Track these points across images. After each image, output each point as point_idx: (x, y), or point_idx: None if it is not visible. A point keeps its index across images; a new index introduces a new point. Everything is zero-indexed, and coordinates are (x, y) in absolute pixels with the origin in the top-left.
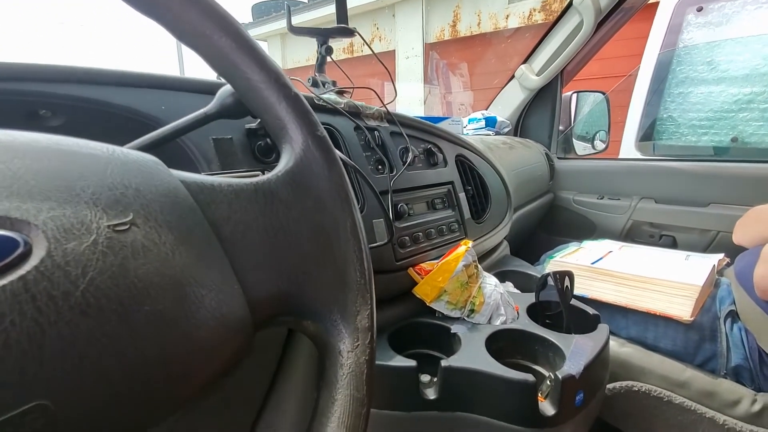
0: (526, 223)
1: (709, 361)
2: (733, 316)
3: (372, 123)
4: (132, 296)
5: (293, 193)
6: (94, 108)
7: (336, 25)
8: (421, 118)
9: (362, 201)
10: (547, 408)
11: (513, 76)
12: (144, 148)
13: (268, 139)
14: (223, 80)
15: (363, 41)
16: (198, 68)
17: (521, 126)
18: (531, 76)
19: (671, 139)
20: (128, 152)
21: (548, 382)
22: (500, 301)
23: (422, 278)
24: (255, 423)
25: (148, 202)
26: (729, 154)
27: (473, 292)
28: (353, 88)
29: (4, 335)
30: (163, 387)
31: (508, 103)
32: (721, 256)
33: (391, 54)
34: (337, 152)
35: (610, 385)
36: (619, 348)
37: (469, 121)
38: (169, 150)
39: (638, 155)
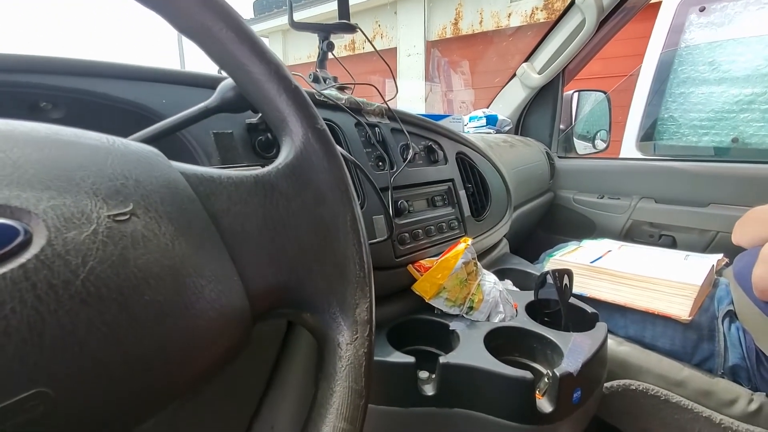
0: (526, 222)
1: (706, 361)
2: (731, 316)
3: (373, 119)
4: (132, 286)
5: (293, 185)
6: (94, 101)
7: (337, 21)
8: (422, 115)
9: (362, 197)
10: (544, 405)
11: (514, 75)
12: (144, 141)
13: (269, 134)
14: (223, 74)
15: (364, 37)
16: (198, 65)
17: (522, 124)
18: (532, 74)
19: (672, 139)
20: (128, 143)
21: (546, 380)
22: (499, 299)
23: (421, 275)
24: (254, 417)
25: (148, 192)
26: (729, 155)
27: (472, 289)
28: (354, 84)
29: (4, 323)
30: (162, 375)
31: (509, 102)
32: (720, 256)
33: (393, 51)
34: (338, 147)
35: (607, 384)
36: (617, 347)
37: (470, 119)
38: (170, 144)
39: (639, 155)
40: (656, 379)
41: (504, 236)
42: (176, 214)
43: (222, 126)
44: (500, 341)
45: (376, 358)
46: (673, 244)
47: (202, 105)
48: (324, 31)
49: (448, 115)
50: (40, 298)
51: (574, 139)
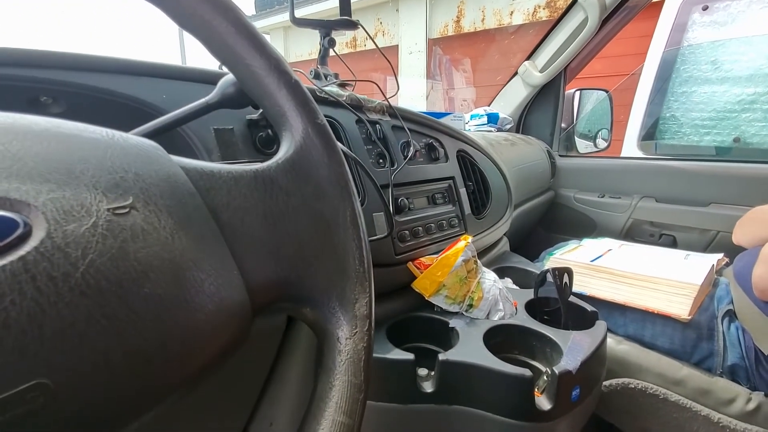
0: (527, 220)
1: (705, 360)
2: (731, 315)
3: (374, 116)
4: (131, 278)
5: (293, 180)
6: (95, 95)
7: (339, 18)
8: (424, 113)
9: (363, 194)
10: (543, 403)
11: (516, 73)
12: (145, 137)
13: (270, 131)
14: (224, 70)
15: (366, 34)
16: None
17: (523, 123)
18: (534, 72)
19: (674, 139)
20: (128, 137)
21: (545, 377)
22: (499, 297)
23: (421, 272)
24: (253, 412)
25: (148, 186)
26: (731, 155)
27: (472, 287)
28: (355, 81)
29: (4, 314)
30: (161, 368)
31: (510, 100)
32: (720, 255)
33: (394, 49)
34: (339, 144)
35: (606, 382)
36: (616, 345)
37: (471, 117)
38: (170, 139)
39: (640, 154)
40: (655, 377)
41: (504, 234)
42: (176, 207)
43: (222, 122)
44: (500, 339)
45: (375, 355)
46: (673, 244)
47: (202, 101)
48: (325, 28)
49: (450, 113)
50: (39, 290)
51: (576, 137)
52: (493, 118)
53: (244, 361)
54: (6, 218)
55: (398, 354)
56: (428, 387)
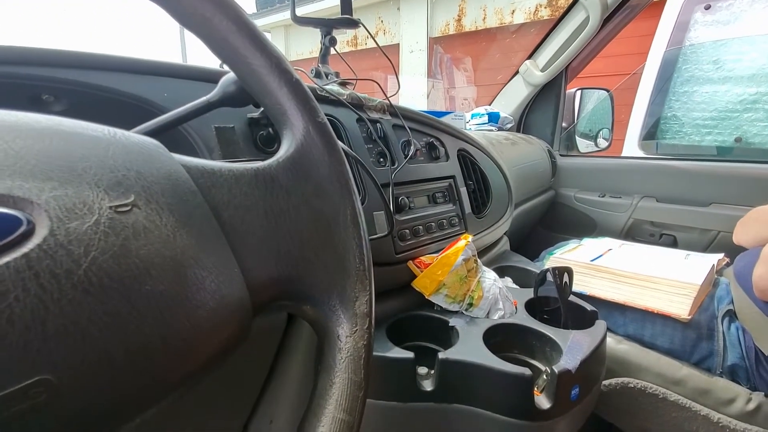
0: (527, 220)
1: (705, 360)
2: (731, 315)
3: (374, 115)
4: (133, 276)
5: (293, 178)
6: (96, 94)
7: (340, 16)
8: (425, 112)
9: (363, 193)
10: (542, 401)
11: (517, 72)
12: (146, 135)
13: (271, 129)
14: (225, 69)
15: (367, 33)
16: (200, 59)
17: (524, 122)
18: (535, 71)
19: (675, 139)
20: (130, 135)
21: (545, 377)
22: (499, 296)
23: (421, 271)
24: (253, 410)
25: (150, 184)
26: (732, 155)
27: (472, 286)
28: (356, 79)
29: (8, 311)
30: (163, 365)
31: (511, 99)
32: (720, 255)
33: (395, 48)
34: (339, 143)
35: (606, 381)
36: (616, 345)
37: (472, 116)
38: (171, 137)
39: (641, 154)
40: (655, 377)
41: (504, 234)
42: (177, 205)
43: (224, 120)
44: (499, 338)
45: (375, 353)
46: (674, 244)
47: (203, 99)
48: (326, 27)
49: (450, 112)
50: (43, 287)
51: (576, 137)
52: (493, 118)
53: (245, 359)
54: (9, 216)
55: (398, 352)
56: (428, 385)
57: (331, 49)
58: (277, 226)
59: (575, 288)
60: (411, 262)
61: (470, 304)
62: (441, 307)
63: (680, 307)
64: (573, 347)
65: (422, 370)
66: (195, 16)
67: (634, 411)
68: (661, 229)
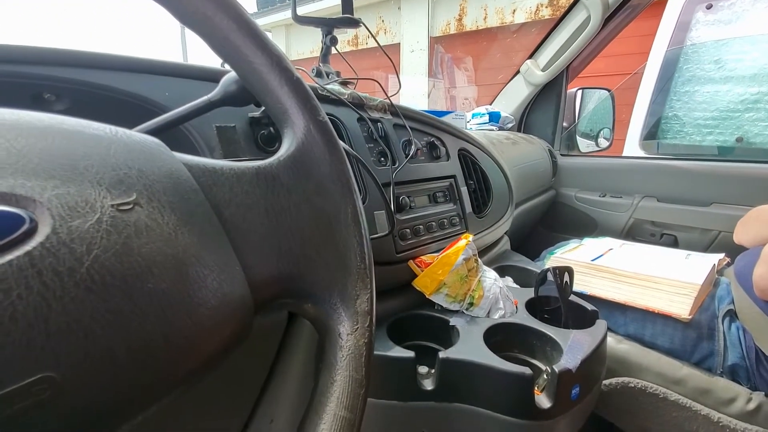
0: (528, 219)
1: (706, 360)
2: (732, 315)
3: (375, 115)
4: (135, 274)
5: (294, 177)
6: (98, 93)
7: (341, 15)
8: (425, 111)
9: (364, 192)
10: (542, 401)
11: (518, 72)
12: (148, 134)
13: (272, 128)
14: (226, 68)
15: (368, 32)
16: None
17: (525, 122)
18: (536, 71)
19: (676, 138)
20: (131, 134)
21: (545, 376)
22: (499, 295)
23: (422, 271)
24: (253, 409)
25: (151, 182)
26: (733, 155)
27: (473, 285)
28: (357, 79)
29: (11, 309)
30: (164, 363)
31: (512, 99)
32: (721, 255)
33: (396, 47)
34: (340, 141)
35: (606, 381)
36: (616, 344)
37: (473, 115)
38: (173, 137)
39: (642, 154)
40: (655, 377)
41: (505, 233)
42: (179, 204)
43: (225, 119)
44: (500, 337)
45: (376, 352)
46: (674, 244)
47: (205, 98)
48: (327, 26)
49: (451, 112)
50: (45, 284)
51: (577, 136)
52: (494, 117)
53: (246, 358)
54: (12, 214)
55: (399, 351)
56: (428, 384)
57: (332, 48)
58: (279, 224)
59: (576, 288)
60: (412, 261)
61: (471, 304)
62: (441, 306)
63: (681, 307)
64: (573, 347)
65: (423, 369)
66: (196, 14)
67: (634, 411)
68: (662, 228)
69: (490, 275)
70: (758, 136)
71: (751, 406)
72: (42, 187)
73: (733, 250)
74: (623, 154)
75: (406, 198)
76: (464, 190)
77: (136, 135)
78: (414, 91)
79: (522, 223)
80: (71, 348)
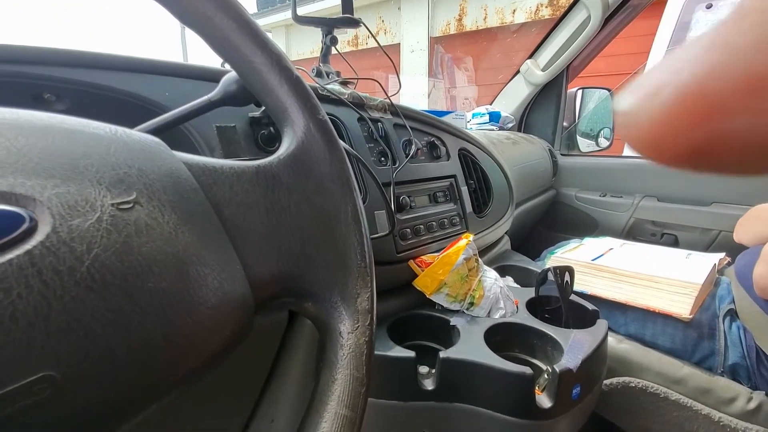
0: (528, 219)
1: (706, 359)
2: (732, 314)
3: (375, 114)
4: (136, 273)
5: (294, 176)
6: (98, 93)
7: (341, 15)
8: (425, 111)
9: (364, 192)
10: (543, 401)
11: (518, 71)
12: (148, 134)
13: (272, 128)
14: (226, 68)
15: (368, 32)
16: (201, 59)
17: (525, 121)
18: (536, 71)
19: None
20: (131, 133)
21: (546, 376)
22: (500, 295)
23: (423, 270)
24: (254, 409)
25: (151, 181)
26: None
27: (473, 285)
28: (357, 79)
29: (11, 308)
30: (165, 362)
31: (512, 99)
32: (722, 255)
33: (396, 47)
34: (340, 141)
35: (607, 381)
36: (617, 344)
37: (473, 115)
38: (173, 137)
39: None
40: (656, 376)
41: (505, 233)
42: (179, 203)
43: (225, 119)
44: (500, 337)
45: (376, 352)
46: (675, 243)
47: (205, 98)
48: (327, 26)
49: (451, 111)
50: (46, 283)
51: (577, 136)
52: (494, 117)
53: (246, 357)
54: (12, 213)
55: (399, 351)
56: (429, 384)
57: (332, 48)
58: (279, 223)
59: (576, 287)
60: (412, 261)
61: (471, 303)
62: (442, 306)
63: (681, 307)
64: (574, 346)
65: (423, 369)
66: (196, 14)
67: (635, 410)
68: (663, 228)
69: (490, 275)
70: None
71: (752, 405)
72: (42, 186)
73: (734, 250)
74: (624, 154)
75: (407, 198)
76: (464, 189)
77: (136, 134)
78: (414, 91)
79: (522, 222)
80: (72, 347)
